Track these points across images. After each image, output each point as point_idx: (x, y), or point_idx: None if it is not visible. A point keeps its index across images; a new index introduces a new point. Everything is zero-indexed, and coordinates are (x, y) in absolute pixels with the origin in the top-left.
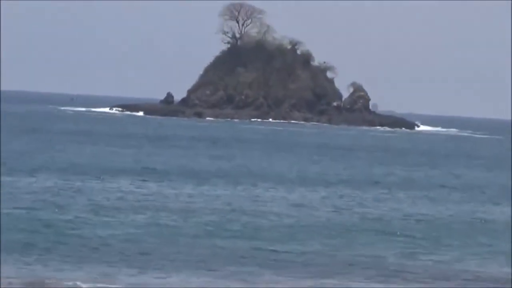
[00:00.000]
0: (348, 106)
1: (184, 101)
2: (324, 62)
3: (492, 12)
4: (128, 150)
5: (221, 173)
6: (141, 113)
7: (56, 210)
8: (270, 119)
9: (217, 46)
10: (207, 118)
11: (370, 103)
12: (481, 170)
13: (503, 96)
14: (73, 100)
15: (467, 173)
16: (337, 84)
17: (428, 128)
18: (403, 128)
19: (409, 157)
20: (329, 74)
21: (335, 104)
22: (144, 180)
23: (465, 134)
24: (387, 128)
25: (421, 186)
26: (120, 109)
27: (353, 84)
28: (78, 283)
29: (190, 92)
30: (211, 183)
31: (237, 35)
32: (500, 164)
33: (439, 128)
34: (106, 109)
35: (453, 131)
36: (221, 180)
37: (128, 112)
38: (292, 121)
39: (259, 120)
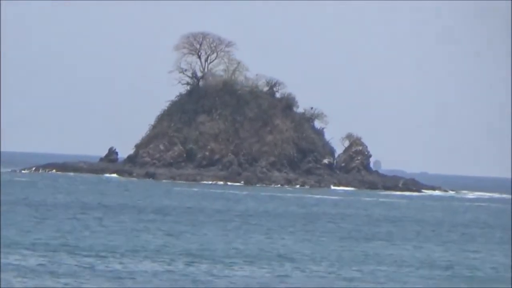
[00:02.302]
0: (343, 164)
1: (131, 158)
2: (312, 108)
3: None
4: None
5: None
6: (73, 174)
7: None
8: (242, 182)
9: (173, 88)
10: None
11: (371, 160)
12: None
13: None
14: None
15: None
16: (328, 136)
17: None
18: (413, 192)
19: None
20: (317, 124)
21: (325, 161)
22: None
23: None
24: (394, 192)
25: None
26: (50, 169)
27: (349, 136)
28: None
29: (138, 147)
30: None
31: (199, 74)
32: None
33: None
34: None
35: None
36: None
37: (60, 173)
38: (272, 184)
39: (228, 183)
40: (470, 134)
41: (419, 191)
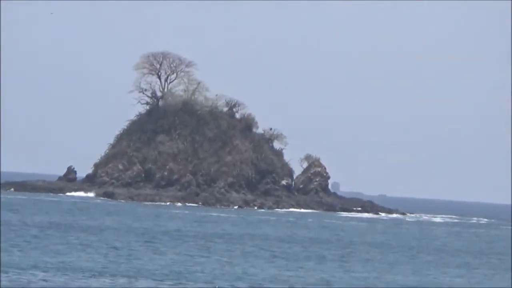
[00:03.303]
0: (301, 186)
1: (89, 177)
2: (271, 129)
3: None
4: None
5: None
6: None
7: None
8: (200, 203)
9: (132, 108)
10: (121, 201)
11: (330, 181)
12: None
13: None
14: None
15: None
16: (288, 157)
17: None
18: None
19: None
20: (276, 144)
21: (284, 182)
22: None
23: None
24: (351, 214)
25: None
26: (8, 187)
27: (308, 158)
28: None
29: (97, 166)
30: None
31: (159, 94)
32: None
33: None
34: None
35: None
36: None
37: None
38: (230, 205)
39: (187, 204)
40: (430, 156)
41: (376, 213)
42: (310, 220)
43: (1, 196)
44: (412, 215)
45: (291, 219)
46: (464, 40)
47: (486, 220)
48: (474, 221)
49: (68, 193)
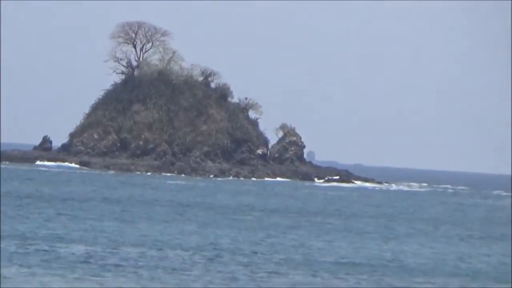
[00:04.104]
0: (277, 155)
1: (65, 147)
2: (246, 99)
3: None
4: None
5: None
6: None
7: None
8: (176, 172)
9: (108, 77)
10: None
11: (305, 150)
12: None
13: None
14: None
15: None
16: (263, 126)
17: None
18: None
19: None
20: (251, 114)
21: (259, 151)
22: None
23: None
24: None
25: None
26: None
27: (283, 127)
28: None
29: (72, 135)
30: None
31: (134, 63)
32: None
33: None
34: None
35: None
36: None
37: None
38: (206, 174)
39: (163, 174)
40: (407, 126)
41: (352, 182)
42: (279, 188)
43: None
44: (387, 184)
45: (264, 188)
46: None
47: (452, 188)
48: (451, 190)
49: (42, 162)
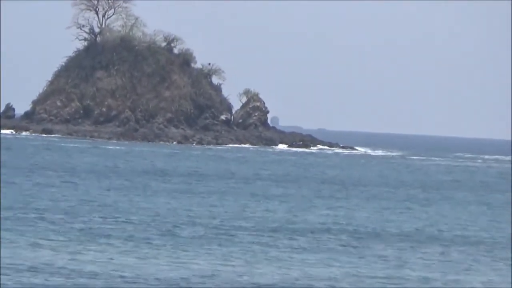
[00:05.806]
0: (240, 121)
1: (28, 114)
2: (209, 64)
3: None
4: None
5: None
6: None
7: None
8: (139, 138)
9: (70, 44)
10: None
11: (269, 116)
12: None
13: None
14: None
15: None
16: (226, 92)
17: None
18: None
19: None
20: (215, 80)
21: (223, 117)
22: None
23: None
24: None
25: None
26: None
27: (247, 92)
28: None
29: (35, 103)
30: None
31: (97, 30)
32: None
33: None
34: None
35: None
36: None
37: None
38: (170, 141)
39: (126, 141)
40: (371, 91)
41: (315, 146)
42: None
43: None
44: (350, 149)
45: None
46: None
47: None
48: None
49: (4, 131)
